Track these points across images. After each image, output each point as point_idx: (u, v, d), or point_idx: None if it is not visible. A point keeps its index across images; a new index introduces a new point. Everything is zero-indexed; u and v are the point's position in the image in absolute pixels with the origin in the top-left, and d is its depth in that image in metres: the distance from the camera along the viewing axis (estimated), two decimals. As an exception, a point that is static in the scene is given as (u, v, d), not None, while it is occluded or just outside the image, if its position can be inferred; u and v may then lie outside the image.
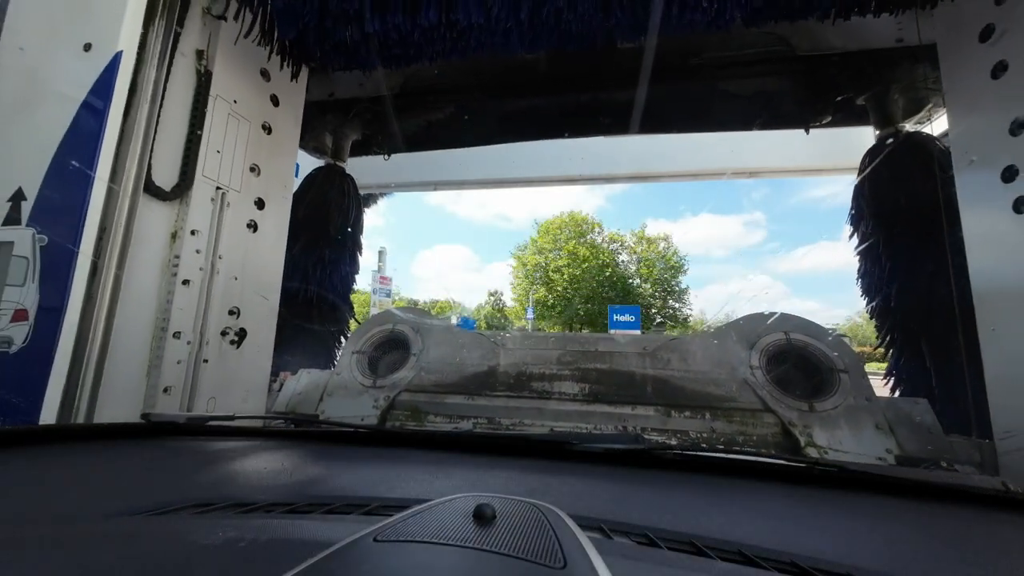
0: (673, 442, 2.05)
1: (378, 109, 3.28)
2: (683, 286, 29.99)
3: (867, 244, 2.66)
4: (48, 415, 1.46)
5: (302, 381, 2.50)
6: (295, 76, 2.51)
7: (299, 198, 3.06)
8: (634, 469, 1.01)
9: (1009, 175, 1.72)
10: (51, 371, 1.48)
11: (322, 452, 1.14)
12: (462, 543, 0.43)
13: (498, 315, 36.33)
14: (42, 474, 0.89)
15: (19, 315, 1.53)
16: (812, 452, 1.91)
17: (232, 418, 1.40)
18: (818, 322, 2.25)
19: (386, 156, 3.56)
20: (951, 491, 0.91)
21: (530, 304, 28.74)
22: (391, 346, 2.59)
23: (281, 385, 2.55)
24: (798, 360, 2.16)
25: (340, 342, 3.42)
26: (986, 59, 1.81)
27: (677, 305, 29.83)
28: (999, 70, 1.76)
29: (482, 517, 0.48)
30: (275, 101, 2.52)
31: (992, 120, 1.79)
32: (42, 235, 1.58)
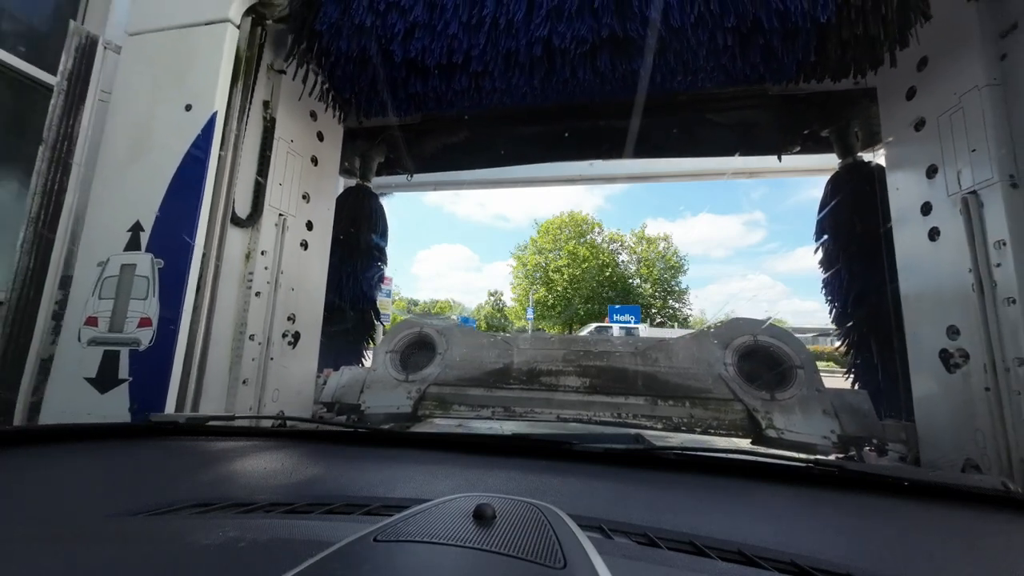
0: (659, 426, 2.49)
1: (401, 135, 3.70)
2: (683, 286, 30.42)
3: (828, 258, 3.08)
4: (171, 401, 1.89)
5: (344, 376, 2.94)
6: (342, 121, 2.94)
7: (335, 216, 3.49)
8: (634, 469, 1.03)
9: (926, 209, 2.14)
10: (172, 365, 1.91)
11: (322, 452, 1.15)
12: (462, 543, 0.43)
13: (498, 315, 36.74)
14: (42, 474, 0.90)
15: (144, 322, 1.96)
16: (772, 434, 2.34)
17: (232, 418, 1.50)
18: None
19: (409, 176, 3.98)
20: (951, 491, 0.91)
21: (530, 304, 29.10)
22: (419, 346, 3.02)
23: (325, 380, 2.97)
24: (764, 358, 2.60)
25: (369, 344, 3.84)
26: (911, 114, 2.23)
27: (677, 305, 30.24)
28: (920, 124, 2.18)
29: (482, 517, 0.49)
30: (320, 137, 2.94)
31: (915, 163, 2.21)
32: (159, 259, 2.01)
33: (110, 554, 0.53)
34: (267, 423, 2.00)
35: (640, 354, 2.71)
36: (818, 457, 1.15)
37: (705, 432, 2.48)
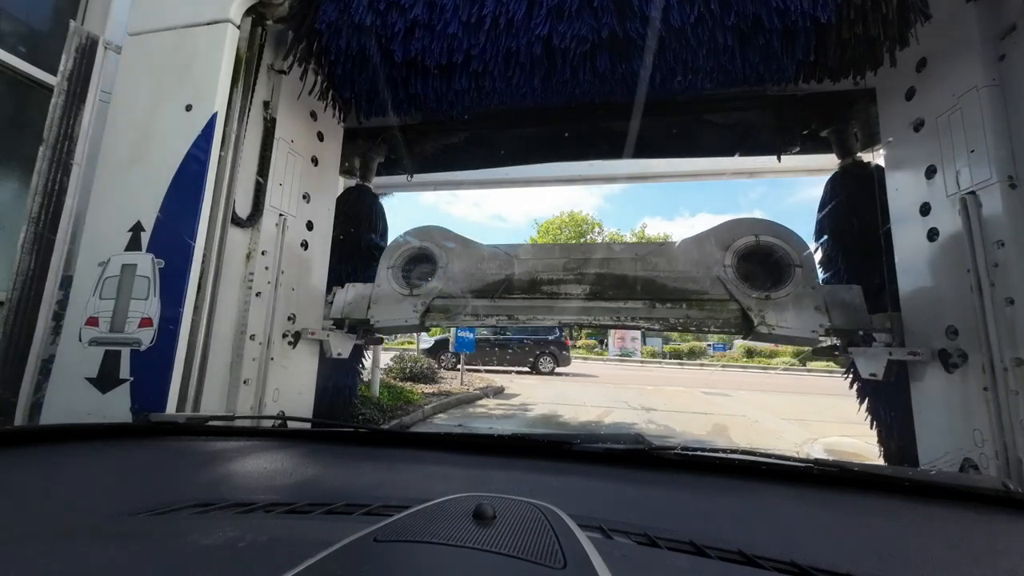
0: (656, 327, 2.53)
1: (401, 135, 3.70)
2: (682, 286, 30.32)
3: (827, 256, 3.08)
4: (172, 400, 1.89)
5: (350, 293, 2.99)
6: (342, 121, 2.94)
7: (336, 216, 3.49)
8: (634, 469, 1.03)
9: (925, 210, 2.15)
10: (173, 365, 1.91)
11: (322, 452, 1.16)
12: (462, 543, 0.43)
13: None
14: (42, 474, 0.90)
15: (145, 322, 1.96)
16: (763, 330, 2.40)
17: (232, 418, 1.52)
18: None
19: (409, 176, 3.98)
20: (951, 491, 0.91)
21: (530, 304, 29.03)
22: (420, 260, 3.06)
23: (332, 299, 3.00)
24: (763, 258, 2.62)
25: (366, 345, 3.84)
26: (910, 115, 2.24)
27: (676, 305, 30.15)
28: (919, 125, 2.18)
29: (482, 517, 0.49)
30: (320, 137, 2.95)
31: (914, 164, 2.22)
32: (159, 259, 2.01)
33: (110, 554, 0.53)
34: (267, 423, 2.01)
35: (640, 260, 2.73)
36: (818, 458, 1.15)
37: (700, 330, 2.51)
